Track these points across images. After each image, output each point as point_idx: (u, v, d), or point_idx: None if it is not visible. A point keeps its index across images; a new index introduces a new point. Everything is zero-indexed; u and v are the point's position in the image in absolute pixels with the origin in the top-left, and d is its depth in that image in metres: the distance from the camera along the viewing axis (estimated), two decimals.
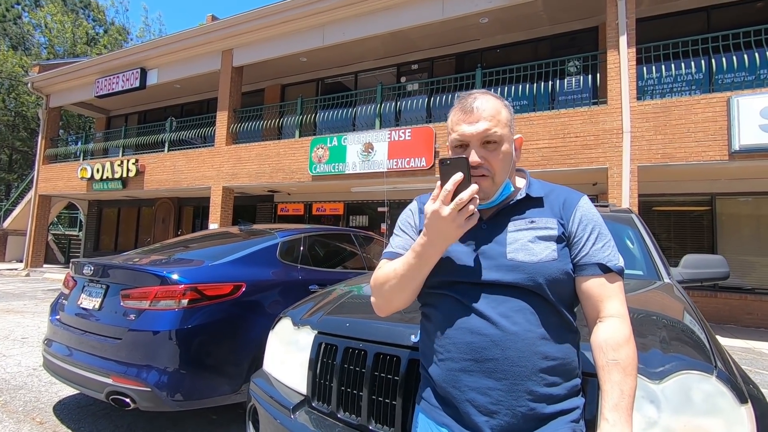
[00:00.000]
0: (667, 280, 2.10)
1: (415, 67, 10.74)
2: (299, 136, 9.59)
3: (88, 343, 2.59)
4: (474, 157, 0.94)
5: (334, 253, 3.98)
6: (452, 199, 0.86)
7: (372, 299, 1.12)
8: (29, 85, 14.53)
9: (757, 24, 6.22)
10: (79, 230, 19.33)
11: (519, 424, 0.88)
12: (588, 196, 1.10)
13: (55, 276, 12.44)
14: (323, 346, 1.53)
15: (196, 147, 11.32)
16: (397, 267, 1.00)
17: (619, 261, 1.00)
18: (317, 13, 9.14)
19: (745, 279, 7.40)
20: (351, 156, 8.61)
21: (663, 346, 1.18)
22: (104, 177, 12.02)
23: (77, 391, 3.19)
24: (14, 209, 16.76)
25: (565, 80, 8.22)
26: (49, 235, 16.78)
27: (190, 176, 10.85)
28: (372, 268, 4.06)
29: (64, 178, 13.30)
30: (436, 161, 7.83)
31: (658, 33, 7.58)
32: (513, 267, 0.94)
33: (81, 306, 2.76)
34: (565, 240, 0.99)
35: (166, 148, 11.68)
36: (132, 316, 2.48)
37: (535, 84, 7.44)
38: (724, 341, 4.92)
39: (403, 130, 8.17)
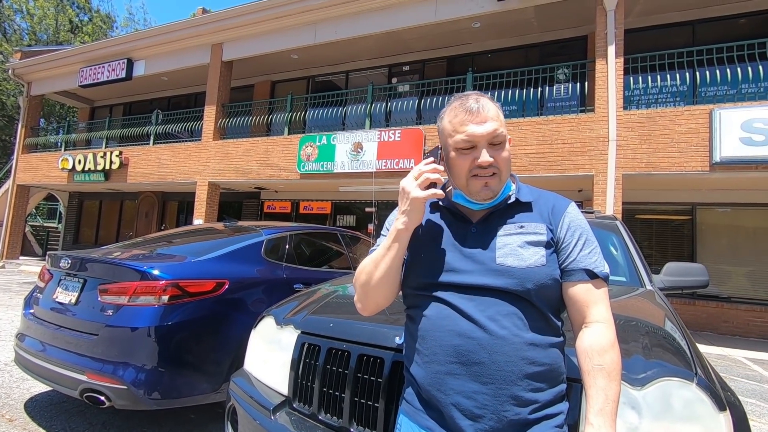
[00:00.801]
0: (649, 287, 2.13)
1: (406, 68, 10.75)
2: (288, 134, 9.50)
3: (62, 338, 2.51)
4: (486, 158, 0.95)
5: (320, 252, 3.95)
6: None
7: (354, 299, 1.11)
8: (10, 71, 14.10)
9: (740, 39, 6.39)
10: (59, 222, 18.83)
11: (504, 429, 0.87)
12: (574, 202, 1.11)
13: (31, 268, 12.09)
14: (306, 346, 1.51)
15: (183, 141, 11.13)
16: (374, 254, 1.04)
17: (605, 268, 1.00)
18: (310, 10, 9.08)
19: (721, 287, 7.59)
20: (340, 155, 8.57)
21: (645, 353, 1.19)
22: (86, 168, 11.73)
23: (50, 388, 3.10)
24: None
25: (554, 87, 8.32)
26: (27, 227, 16.31)
27: (175, 170, 10.66)
28: None
29: (44, 169, 12.94)
30: None
31: (645, 44, 7.73)
32: (502, 272, 0.93)
33: (56, 300, 2.68)
34: (553, 246, 0.99)
35: (151, 141, 11.46)
36: (110, 312, 2.42)
37: (524, 90, 7.49)
38: (701, 348, 5.03)
39: (392, 131, 8.17)
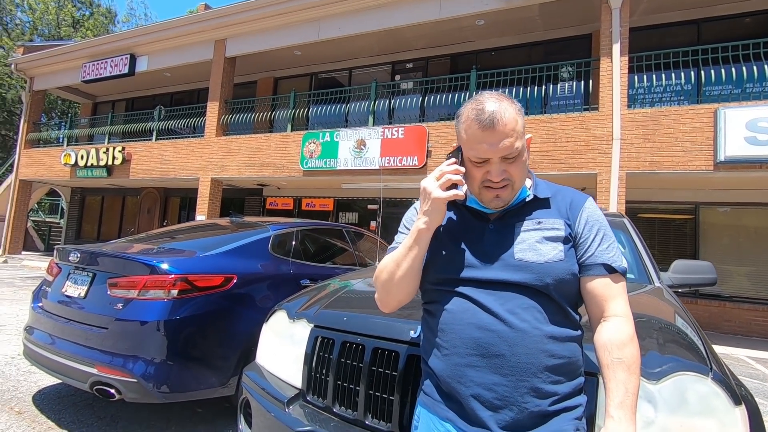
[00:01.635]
0: (657, 284, 2.14)
1: (410, 65, 10.73)
2: (291, 130, 9.50)
3: (72, 331, 2.53)
4: (496, 175, 0.95)
5: (325, 248, 3.96)
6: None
7: (375, 296, 1.12)
8: (13, 66, 14.09)
9: (745, 38, 6.37)
10: (61, 217, 18.84)
11: (524, 420, 0.89)
12: None
13: (33, 263, 12.12)
14: (320, 339, 1.52)
15: (185, 137, 11.13)
16: (395, 253, 1.05)
17: (623, 262, 1.01)
18: (313, 7, 9.06)
19: (724, 287, 7.60)
20: (343, 152, 8.57)
21: (660, 348, 1.20)
22: (89, 164, 11.74)
23: (58, 381, 3.12)
24: None
25: (558, 85, 8.31)
26: (29, 222, 16.33)
27: (178, 166, 10.66)
28: (363, 264, 4.04)
29: (47, 164, 12.94)
30: (428, 160, 7.85)
31: (650, 43, 7.72)
32: (521, 267, 0.94)
33: (65, 294, 2.69)
34: (571, 240, 1.00)
35: (154, 137, 11.46)
36: (119, 305, 2.43)
37: (528, 88, 7.48)
38: None
39: (396, 128, 8.16)
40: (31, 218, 17.30)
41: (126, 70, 11.67)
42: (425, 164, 7.82)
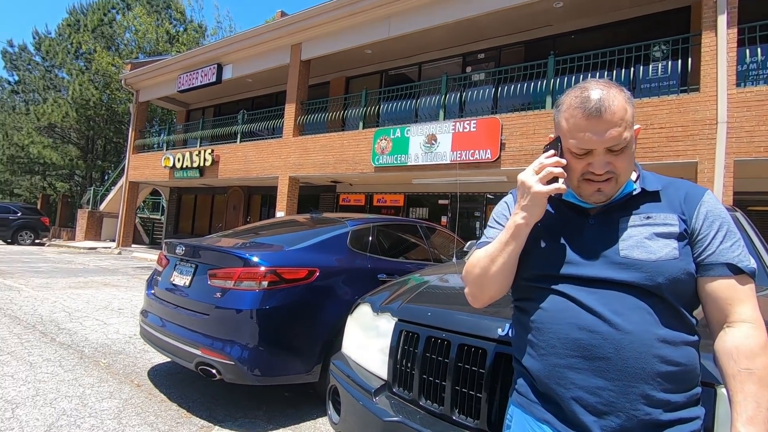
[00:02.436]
0: None
1: (481, 56, 10.43)
2: (363, 128, 9.72)
3: (179, 316, 2.83)
4: (600, 168, 0.90)
5: (400, 243, 4.01)
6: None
7: (466, 290, 1.11)
8: (123, 81, 16.04)
9: None
10: (161, 214, 21.16)
11: (634, 429, 0.83)
12: None
13: (141, 255, 13.75)
14: (404, 333, 1.55)
15: (265, 138, 11.90)
16: (489, 247, 1.02)
17: (751, 262, 0.91)
18: (384, 5, 9.15)
19: None
20: (414, 147, 8.59)
21: None
22: (184, 166, 13.04)
23: (167, 360, 3.52)
24: (108, 194, 18.69)
25: (650, 66, 7.55)
26: (137, 218, 18.54)
27: (259, 166, 11.43)
28: (437, 260, 4.03)
29: (150, 167, 14.60)
30: (502, 153, 7.59)
31: (764, 11, 6.71)
32: (628, 265, 0.88)
33: (173, 282, 3.02)
34: (687, 237, 0.92)
35: (238, 140, 12.40)
36: (218, 294, 2.68)
37: (613, 71, 6.90)
38: None
39: (468, 122, 8.00)
40: (138, 215, 19.62)
41: (214, 78, 12.75)
42: (498, 157, 7.57)
